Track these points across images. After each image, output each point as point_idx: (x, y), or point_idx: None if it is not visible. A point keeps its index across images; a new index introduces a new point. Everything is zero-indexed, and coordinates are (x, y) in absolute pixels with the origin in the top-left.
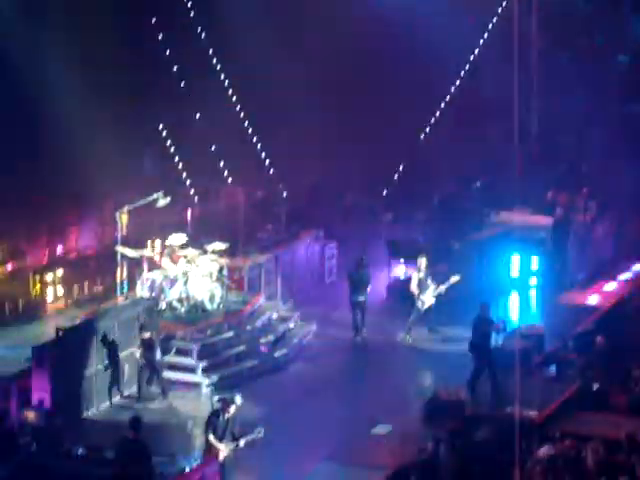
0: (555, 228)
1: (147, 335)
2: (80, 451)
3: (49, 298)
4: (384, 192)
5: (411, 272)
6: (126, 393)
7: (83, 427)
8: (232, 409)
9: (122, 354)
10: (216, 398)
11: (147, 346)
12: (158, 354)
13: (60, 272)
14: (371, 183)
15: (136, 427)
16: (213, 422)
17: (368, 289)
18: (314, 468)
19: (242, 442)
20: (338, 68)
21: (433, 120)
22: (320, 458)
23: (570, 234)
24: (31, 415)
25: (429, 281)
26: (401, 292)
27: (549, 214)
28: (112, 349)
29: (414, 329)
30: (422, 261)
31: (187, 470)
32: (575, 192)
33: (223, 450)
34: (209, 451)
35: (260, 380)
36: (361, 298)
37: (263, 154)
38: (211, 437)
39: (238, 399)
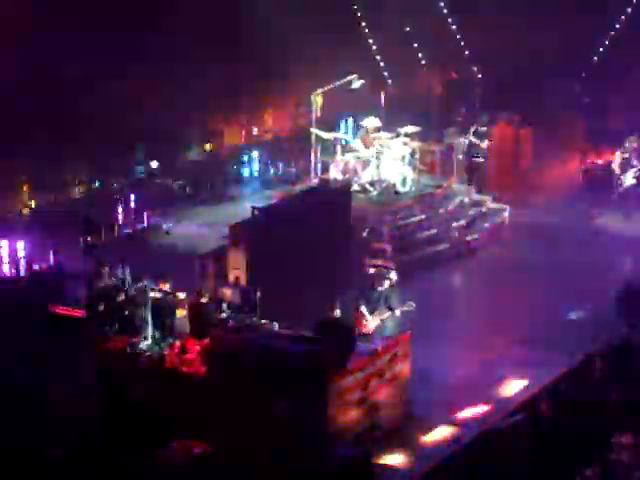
0: None
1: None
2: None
3: (244, 177)
4: (582, 75)
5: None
6: None
7: None
8: (386, 284)
9: None
10: (372, 270)
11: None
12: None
13: (255, 153)
14: (568, 67)
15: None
16: (366, 295)
17: None
18: (506, 352)
19: (395, 312)
20: None
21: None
22: (511, 343)
23: None
24: (227, 292)
25: (634, 162)
26: (597, 176)
27: None
28: None
29: (610, 213)
30: (631, 141)
31: (379, 349)
32: None
33: (371, 322)
34: (358, 322)
35: (451, 264)
36: None
37: (458, 36)
38: (363, 308)
39: (393, 275)
